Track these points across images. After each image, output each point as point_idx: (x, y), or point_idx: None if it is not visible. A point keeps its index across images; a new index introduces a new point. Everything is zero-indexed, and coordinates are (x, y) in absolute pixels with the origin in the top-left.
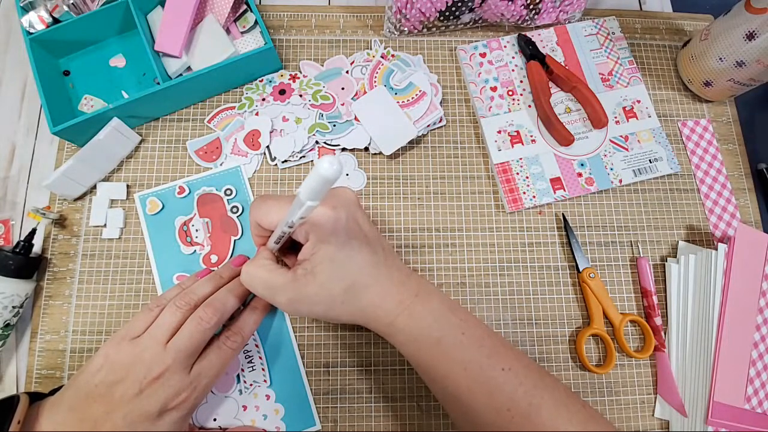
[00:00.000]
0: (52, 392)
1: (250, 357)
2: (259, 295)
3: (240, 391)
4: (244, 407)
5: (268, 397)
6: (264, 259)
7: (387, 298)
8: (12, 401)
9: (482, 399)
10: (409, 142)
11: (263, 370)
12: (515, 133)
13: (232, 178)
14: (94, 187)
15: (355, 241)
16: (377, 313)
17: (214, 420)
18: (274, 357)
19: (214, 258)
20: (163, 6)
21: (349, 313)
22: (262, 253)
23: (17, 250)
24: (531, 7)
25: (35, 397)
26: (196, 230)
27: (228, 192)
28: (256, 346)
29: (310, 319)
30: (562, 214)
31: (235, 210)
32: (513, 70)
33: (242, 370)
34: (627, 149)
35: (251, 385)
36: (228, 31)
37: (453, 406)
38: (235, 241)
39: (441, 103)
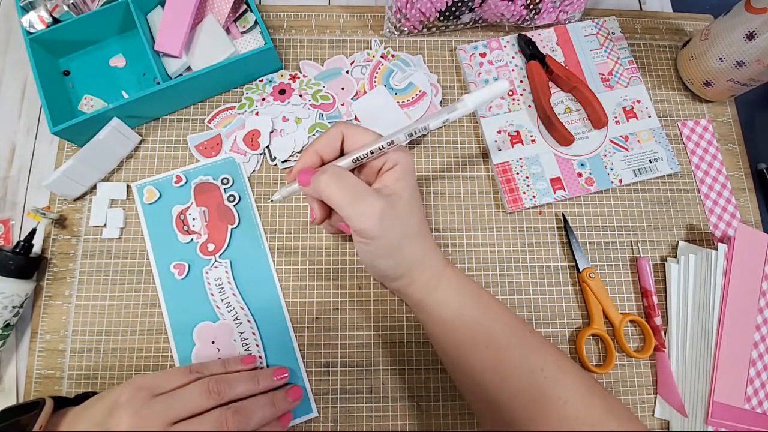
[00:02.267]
0: (77, 397)
1: (247, 345)
2: (336, 202)
3: None
4: None
5: None
6: (344, 169)
7: (436, 249)
8: (36, 406)
9: (518, 354)
10: (410, 143)
11: (261, 357)
12: (515, 133)
13: (229, 168)
14: (94, 187)
15: (418, 190)
16: (432, 262)
17: None
18: (272, 345)
19: (211, 246)
20: (163, 6)
21: (411, 255)
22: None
23: (17, 250)
24: (531, 7)
25: (62, 402)
26: (193, 219)
27: (225, 181)
28: (254, 334)
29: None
30: (562, 214)
31: (232, 199)
32: (513, 70)
33: None
34: (627, 149)
35: None
36: (228, 31)
37: (485, 365)
38: (232, 229)
39: (441, 103)
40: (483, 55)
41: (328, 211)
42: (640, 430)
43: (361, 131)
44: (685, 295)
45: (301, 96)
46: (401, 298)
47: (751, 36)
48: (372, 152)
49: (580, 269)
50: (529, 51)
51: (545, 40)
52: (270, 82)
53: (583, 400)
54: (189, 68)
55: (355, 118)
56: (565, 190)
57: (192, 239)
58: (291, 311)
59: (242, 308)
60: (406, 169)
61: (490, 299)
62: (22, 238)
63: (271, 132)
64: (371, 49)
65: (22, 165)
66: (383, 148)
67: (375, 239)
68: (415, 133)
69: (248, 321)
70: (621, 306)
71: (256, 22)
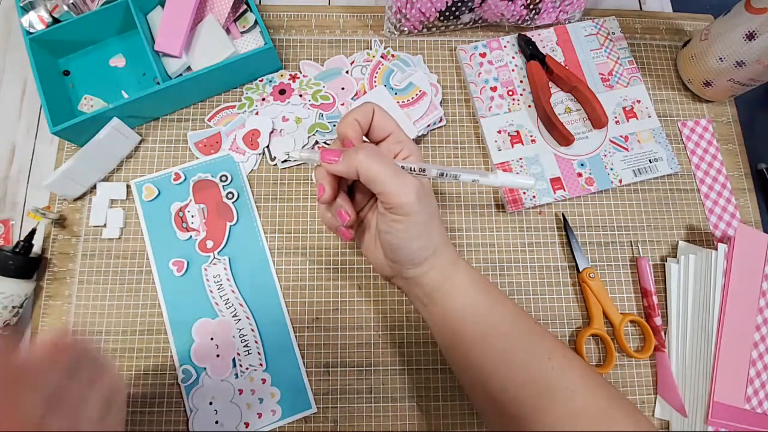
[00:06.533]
0: None
1: (246, 341)
2: (377, 176)
3: (236, 374)
4: (240, 391)
5: (264, 380)
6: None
7: (448, 238)
8: None
9: (521, 348)
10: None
11: (259, 354)
12: (515, 133)
13: (228, 165)
14: (94, 187)
15: None
16: (448, 248)
17: (210, 404)
18: (271, 341)
19: (209, 243)
20: (163, 6)
21: (436, 237)
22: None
23: (17, 250)
24: (531, 7)
25: None
26: (192, 216)
27: (223, 178)
28: (252, 330)
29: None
30: (562, 214)
31: (230, 196)
32: (513, 70)
33: (238, 353)
34: (627, 149)
35: (247, 368)
36: (228, 31)
37: (488, 354)
38: (230, 226)
39: (441, 103)
40: (483, 55)
41: (337, 193)
42: (644, 422)
43: (386, 114)
44: (685, 295)
45: (301, 96)
46: (412, 291)
47: (751, 36)
48: (402, 166)
49: (580, 269)
50: (529, 51)
51: (545, 40)
52: (270, 82)
53: (589, 390)
54: (189, 68)
55: None
56: (565, 190)
57: (191, 236)
58: (291, 311)
59: (241, 305)
60: (420, 159)
61: (497, 290)
62: (22, 238)
63: (271, 132)
64: (371, 49)
65: (22, 165)
66: (413, 170)
67: (411, 215)
68: (446, 175)
69: (247, 318)
70: (621, 306)
71: (256, 22)
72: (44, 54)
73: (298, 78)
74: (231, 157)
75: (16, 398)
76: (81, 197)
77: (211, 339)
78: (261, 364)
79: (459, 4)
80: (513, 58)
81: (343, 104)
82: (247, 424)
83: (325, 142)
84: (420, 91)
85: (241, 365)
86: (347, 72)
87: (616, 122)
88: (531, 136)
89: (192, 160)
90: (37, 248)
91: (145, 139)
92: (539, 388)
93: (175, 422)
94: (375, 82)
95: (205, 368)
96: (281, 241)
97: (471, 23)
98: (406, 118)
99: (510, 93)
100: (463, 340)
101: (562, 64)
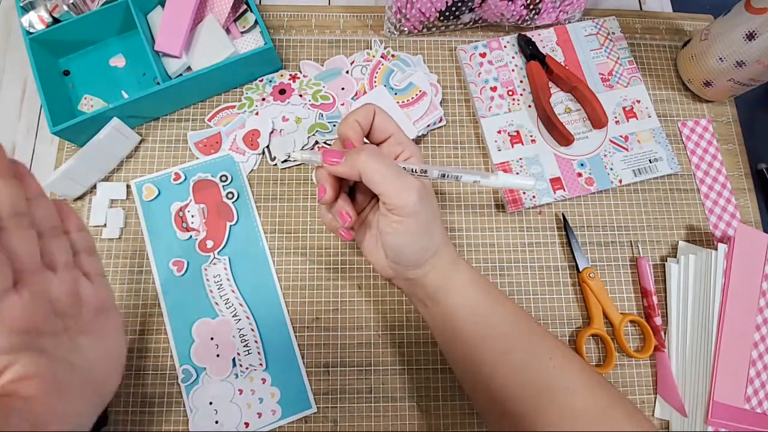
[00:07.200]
0: None
1: (246, 342)
2: (379, 177)
3: (236, 374)
4: (240, 391)
5: (264, 380)
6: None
7: (449, 238)
8: None
9: (521, 349)
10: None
11: (259, 353)
12: (515, 133)
13: (228, 165)
14: (94, 187)
15: None
16: (449, 249)
17: (210, 404)
18: (271, 341)
19: (209, 243)
20: (163, 6)
21: (437, 238)
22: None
23: None
24: (531, 7)
25: None
26: (192, 216)
27: (223, 178)
28: (252, 330)
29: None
30: (562, 214)
31: (230, 196)
32: (513, 70)
33: (238, 353)
34: (627, 149)
35: (247, 368)
36: (228, 31)
37: (490, 354)
38: (230, 226)
39: (441, 103)
40: (483, 55)
41: (338, 194)
42: (644, 422)
43: (387, 115)
44: (685, 295)
45: (301, 96)
46: (413, 292)
47: (751, 36)
48: (403, 168)
49: (580, 269)
50: (529, 51)
51: (545, 40)
52: (270, 82)
53: (589, 390)
54: (189, 68)
55: None
56: (565, 190)
57: (191, 236)
58: (291, 311)
59: (241, 305)
60: (421, 161)
61: (497, 291)
62: None
63: (271, 132)
64: (371, 49)
65: None
66: (414, 171)
67: (413, 216)
68: (447, 176)
69: (247, 318)
70: (621, 306)
71: (256, 22)
72: (44, 54)
73: (298, 78)
74: (231, 157)
75: None
76: (81, 197)
77: (211, 339)
78: (261, 364)
79: (459, 4)
80: (513, 58)
81: (343, 104)
82: (247, 424)
83: (325, 143)
84: (420, 91)
85: (241, 365)
86: (347, 72)
87: (616, 122)
88: (531, 136)
89: (192, 160)
90: None
91: (145, 139)
92: (539, 387)
93: (175, 422)
94: (375, 82)
95: (205, 368)
96: (281, 241)
97: (471, 23)
98: (406, 118)
99: (510, 93)
100: (463, 340)
101: (562, 64)
